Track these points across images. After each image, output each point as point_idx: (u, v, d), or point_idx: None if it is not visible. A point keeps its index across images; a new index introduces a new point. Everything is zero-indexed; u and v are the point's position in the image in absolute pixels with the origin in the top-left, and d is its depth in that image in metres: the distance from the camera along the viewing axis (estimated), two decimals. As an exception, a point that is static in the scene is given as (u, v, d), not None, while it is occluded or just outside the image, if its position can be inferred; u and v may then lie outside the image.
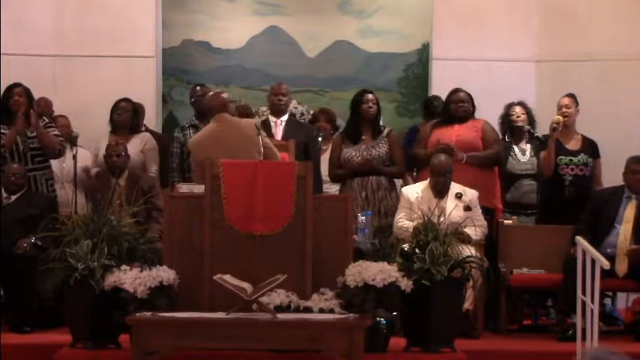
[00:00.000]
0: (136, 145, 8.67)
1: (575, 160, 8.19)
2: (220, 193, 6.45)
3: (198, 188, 6.70)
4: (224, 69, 10.63)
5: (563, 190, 8.14)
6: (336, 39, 10.74)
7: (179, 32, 10.62)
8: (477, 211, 7.63)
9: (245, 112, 8.29)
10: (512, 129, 8.51)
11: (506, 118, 8.54)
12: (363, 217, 7.41)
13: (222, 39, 10.70)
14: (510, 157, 8.42)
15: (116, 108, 8.77)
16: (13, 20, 9.23)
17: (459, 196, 7.60)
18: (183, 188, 6.97)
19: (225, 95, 7.27)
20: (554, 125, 8.10)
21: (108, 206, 6.72)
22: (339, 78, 10.72)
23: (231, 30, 10.73)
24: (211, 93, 7.54)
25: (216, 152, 6.72)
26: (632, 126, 9.09)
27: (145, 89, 9.45)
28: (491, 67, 9.56)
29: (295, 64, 10.69)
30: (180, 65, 10.63)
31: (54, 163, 8.38)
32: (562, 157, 8.17)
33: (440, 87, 9.47)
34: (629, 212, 7.68)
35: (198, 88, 8.96)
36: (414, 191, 7.67)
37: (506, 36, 9.66)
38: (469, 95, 8.25)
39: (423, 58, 10.54)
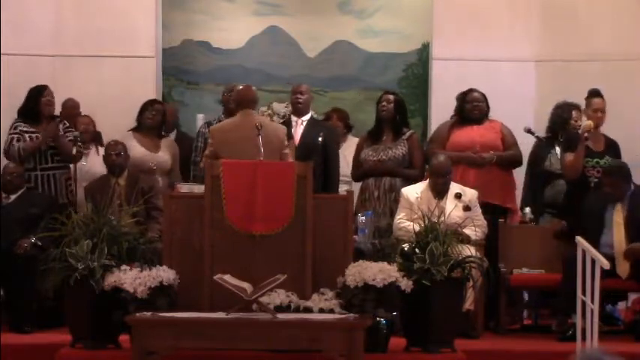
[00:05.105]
0: (168, 149, 8.60)
1: (601, 162, 7.86)
2: (220, 193, 6.44)
3: (199, 188, 6.69)
4: (224, 69, 10.60)
5: (587, 192, 7.80)
6: (336, 39, 10.72)
7: (179, 32, 10.61)
8: (477, 211, 7.63)
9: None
10: (567, 132, 8.15)
11: (563, 118, 8.26)
12: (363, 217, 7.41)
13: (222, 39, 10.68)
14: (550, 155, 8.23)
15: (150, 109, 8.61)
16: (13, 20, 9.22)
17: (458, 196, 7.60)
18: (184, 188, 6.96)
19: (255, 90, 7.23)
20: (587, 134, 7.76)
21: (108, 206, 6.72)
22: (339, 78, 10.70)
23: (231, 30, 10.71)
24: (242, 86, 7.46)
25: (239, 148, 6.69)
26: (633, 126, 9.07)
27: (145, 89, 9.42)
28: (491, 67, 9.54)
29: (295, 64, 10.67)
30: (180, 65, 10.61)
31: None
32: (588, 159, 7.84)
33: (440, 87, 9.47)
34: (617, 216, 7.58)
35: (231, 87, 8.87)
36: (414, 192, 7.67)
37: (506, 36, 9.65)
38: (483, 95, 8.24)
39: (423, 58, 10.52)
